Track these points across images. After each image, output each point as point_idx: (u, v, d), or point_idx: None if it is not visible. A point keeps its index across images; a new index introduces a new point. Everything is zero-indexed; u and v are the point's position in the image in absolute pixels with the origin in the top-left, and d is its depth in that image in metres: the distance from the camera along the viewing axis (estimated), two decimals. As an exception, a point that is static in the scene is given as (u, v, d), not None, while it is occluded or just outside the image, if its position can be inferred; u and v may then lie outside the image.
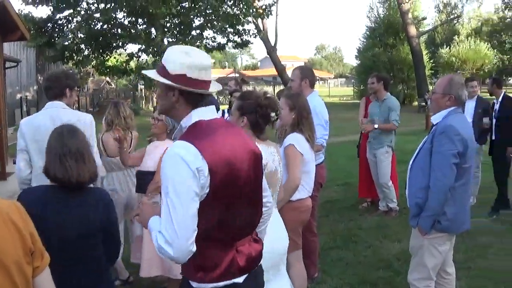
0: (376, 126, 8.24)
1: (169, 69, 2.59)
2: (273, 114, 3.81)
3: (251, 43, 30.91)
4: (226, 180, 2.55)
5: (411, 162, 4.44)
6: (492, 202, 8.70)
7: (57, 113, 4.56)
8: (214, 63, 70.62)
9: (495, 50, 48.77)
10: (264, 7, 29.36)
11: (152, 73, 2.66)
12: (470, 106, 8.88)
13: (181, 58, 2.58)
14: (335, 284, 5.86)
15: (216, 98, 10.19)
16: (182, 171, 2.42)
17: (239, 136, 2.77)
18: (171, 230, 2.41)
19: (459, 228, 4.38)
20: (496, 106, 8.65)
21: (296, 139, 4.72)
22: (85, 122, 4.64)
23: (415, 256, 4.41)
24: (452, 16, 55.93)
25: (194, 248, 2.48)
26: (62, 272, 2.74)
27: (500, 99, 8.65)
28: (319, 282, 5.88)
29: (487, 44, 47.60)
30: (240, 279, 2.70)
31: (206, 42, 28.47)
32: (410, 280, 4.46)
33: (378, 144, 8.34)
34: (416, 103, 34.92)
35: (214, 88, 2.74)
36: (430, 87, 30.99)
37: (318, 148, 5.54)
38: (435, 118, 4.37)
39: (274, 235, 3.67)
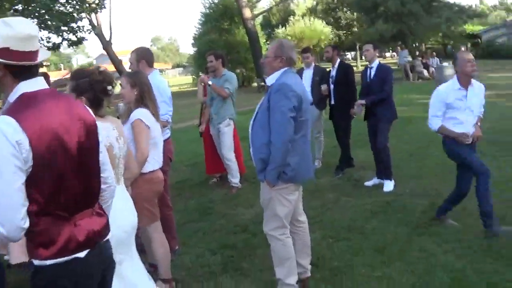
0: (210, 83, 8.35)
1: None
2: (109, 88, 3.83)
3: (86, 40, 30.23)
4: (53, 151, 2.48)
5: (251, 122, 4.65)
6: (335, 164, 9.31)
7: None
8: (49, 65, 67.88)
9: (331, 27, 50.97)
10: (97, 1, 28.74)
11: None
12: (307, 75, 9.39)
13: (2, 31, 2.47)
14: (197, 253, 6.04)
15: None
16: (1, 145, 2.34)
17: (68, 105, 2.67)
18: None
19: (304, 177, 4.68)
20: (333, 73, 9.14)
21: (141, 114, 4.80)
22: None
23: (267, 208, 4.65)
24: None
25: (26, 224, 2.41)
26: None
27: (336, 65, 9.16)
28: (181, 254, 6.02)
29: (323, 22, 49.61)
30: (81, 254, 2.64)
31: (41, 44, 27.43)
32: (266, 231, 4.69)
33: (220, 118, 8.50)
34: (255, 84, 35.80)
35: (43, 56, 2.64)
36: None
37: (164, 124, 5.67)
38: (269, 80, 4.64)
39: (119, 211, 3.66)
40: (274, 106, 4.40)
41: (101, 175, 2.88)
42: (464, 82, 5.98)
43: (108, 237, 2.88)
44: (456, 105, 6.02)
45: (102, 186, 2.90)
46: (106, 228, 2.86)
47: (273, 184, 4.46)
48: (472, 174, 6.10)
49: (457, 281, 4.85)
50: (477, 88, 6.09)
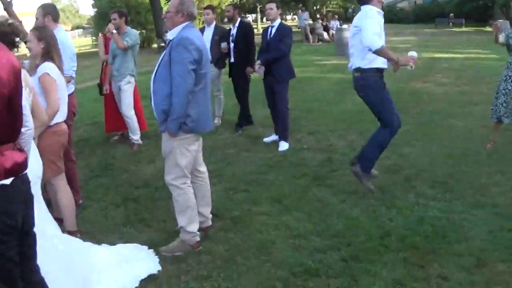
0: (114, 31, 8.29)
1: None
2: (17, 39, 3.83)
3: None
4: None
5: (153, 76, 4.73)
6: (235, 122, 9.53)
7: None
8: None
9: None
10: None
11: None
12: (208, 33, 9.44)
13: None
14: (101, 206, 6.13)
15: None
16: None
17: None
18: None
19: (204, 128, 4.84)
20: (233, 31, 9.25)
21: (49, 67, 4.85)
22: None
23: (168, 158, 4.77)
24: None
25: None
26: None
27: (237, 24, 9.26)
28: (85, 207, 6.09)
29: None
30: (7, 181, 2.82)
31: None
32: (168, 181, 4.82)
33: (121, 75, 8.44)
34: (155, 44, 35.37)
35: None
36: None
37: (68, 79, 5.67)
38: (171, 34, 4.70)
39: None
40: (175, 59, 4.49)
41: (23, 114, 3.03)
42: (380, 7, 5.90)
43: (26, 171, 3.03)
44: (382, 35, 5.79)
45: (22, 129, 3.04)
46: (26, 162, 3.01)
47: (174, 135, 4.58)
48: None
49: (351, 227, 5.20)
50: None
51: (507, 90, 7.30)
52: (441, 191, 6.07)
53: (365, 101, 6.07)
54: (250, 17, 72.06)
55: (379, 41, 5.54)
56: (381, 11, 5.85)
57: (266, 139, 8.63)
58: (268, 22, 8.41)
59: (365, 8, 5.78)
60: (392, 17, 52.83)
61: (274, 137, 8.53)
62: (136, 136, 8.66)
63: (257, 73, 8.37)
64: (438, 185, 6.26)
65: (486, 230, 5.05)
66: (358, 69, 5.93)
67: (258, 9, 50.64)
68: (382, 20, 5.83)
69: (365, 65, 5.86)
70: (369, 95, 5.98)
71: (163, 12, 5.17)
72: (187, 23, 4.70)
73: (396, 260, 4.55)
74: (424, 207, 5.64)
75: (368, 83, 5.93)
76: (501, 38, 7.33)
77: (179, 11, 4.67)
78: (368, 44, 5.53)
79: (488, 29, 35.25)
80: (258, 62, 8.12)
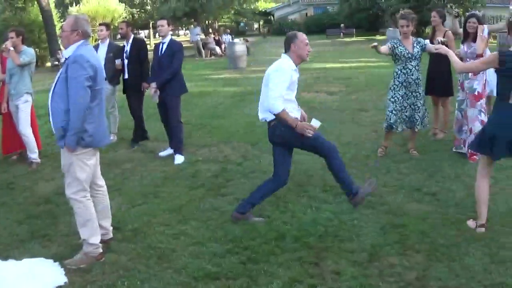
0: (11, 48, 8.13)
1: None
2: None
3: None
4: None
5: (50, 93, 4.85)
6: (131, 138, 9.64)
7: None
8: None
9: (125, 5, 50.37)
10: None
11: None
12: (102, 50, 9.51)
13: None
14: (4, 224, 6.12)
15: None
16: None
17: None
18: None
19: (101, 142, 5.02)
20: (127, 48, 9.35)
21: None
22: None
23: (68, 173, 4.89)
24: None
25: None
26: None
27: (130, 41, 9.36)
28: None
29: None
30: None
31: None
32: (68, 195, 4.93)
33: (18, 94, 8.31)
34: (49, 63, 34.59)
35: None
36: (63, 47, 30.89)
37: None
38: (67, 52, 4.86)
39: None
40: (72, 76, 4.66)
41: None
42: (298, 63, 5.81)
43: None
44: (293, 88, 5.80)
45: None
46: None
47: (73, 149, 4.73)
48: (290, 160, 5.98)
49: (248, 232, 5.50)
50: None
51: (395, 99, 7.74)
52: (333, 194, 6.48)
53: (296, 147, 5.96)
54: (142, 33, 71.64)
55: (280, 105, 5.47)
56: (297, 68, 5.77)
57: (161, 153, 8.78)
58: (160, 37, 8.58)
59: (282, 59, 5.74)
60: (283, 29, 54.13)
61: (169, 151, 8.68)
62: (34, 155, 8.56)
63: (154, 99, 8.37)
64: (329, 188, 6.66)
65: (377, 227, 5.51)
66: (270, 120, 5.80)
67: (151, 25, 50.46)
68: (297, 75, 5.78)
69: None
70: (294, 139, 5.77)
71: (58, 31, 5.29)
72: (82, 41, 4.88)
73: (291, 259, 4.89)
74: (316, 209, 6.04)
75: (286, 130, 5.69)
76: (384, 48, 7.71)
77: (74, 29, 4.85)
78: (270, 107, 5.53)
79: (379, 37, 36.96)
80: (154, 86, 8.21)
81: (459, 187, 6.60)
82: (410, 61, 7.61)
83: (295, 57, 5.72)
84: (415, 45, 7.65)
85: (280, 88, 5.50)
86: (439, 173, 7.18)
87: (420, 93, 7.79)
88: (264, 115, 5.84)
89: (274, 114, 5.58)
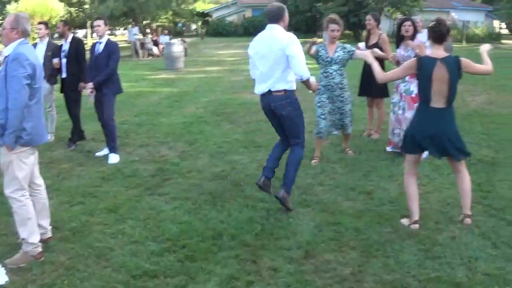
0: None
1: None
2: None
3: None
4: None
5: None
6: (68, 137, 9.55)
7: None
8: None
9: (63, 4, 49.28)
10: None
11: None
12: (41, 48, 9.37)
13: None
14: None
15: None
16: None
17: None
18: None
19: (40, 140, 5.03)
20: (65, 47, 9.27)
21: None
22: None
23: (6, 172, 4.88)
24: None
25: None
26: None
27: (68, 40, 9.29)
28: None
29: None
30: None
31: None
32: (7, 194, 4.92)
33: None
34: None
35: None
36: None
37: None
38: (7, 50, 4.85)
39: None
40: (11, 74, 4.66)
41: None
42: None
43: None
44: None
45: None
46: None
47: (12, 148, 4.73)
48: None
49: (185, 231, 5.60)
50: None
51: (321, 103, 7.87)
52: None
53: (286, 119, 6.16)
54: (80, 32, 70.32)
55: (308, 71, 5.98)
56: None
57: (98, 153, 8.78)
58: (98, 37, 8.58)
59: (282, 29, 6.08)
60: (221, 30, 54.19)
61: (106, 150, 8.68)
62: None
63: (90, 100, 8.47)
64: (265, 188, 6.83)
65: (313, 225, 5.71)
66: (281, 90, 6.07)
67: (88, 25, 49.63)
68: None
69: (290, 87, 6.10)
70: (293, 113, 6.13)
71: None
72: (22, 39, 4.89)
73: (229, 257, 5.03)
74: (253, 208, 6.21)
75: (292, 102, 6.12)
76: (313, 50, 7.81)
77: (14, 28, 4.87)
78: (301, 74, 5.90)
79: (316, 40, 37.40)
80: (90, 86, 8.24)
81: (394, 186, 6.89)
82: (330, 65, 7.75)
83: (284, 28, 6.10)
84: (338, 50, 7.75)
85: (304, 55, 5.99)
86: (374, 172, 7.46)
87: (346, 98, 7.89)
88: (268, 86, 6.09)
89: (304, 81, 6.01)
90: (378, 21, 9.07)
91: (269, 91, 6.09)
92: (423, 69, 5.35)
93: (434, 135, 5.39)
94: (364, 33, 32.42)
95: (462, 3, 54.31)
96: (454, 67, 5.34)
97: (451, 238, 5.35)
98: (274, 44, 5.96)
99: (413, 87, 7.81)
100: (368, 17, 9.17)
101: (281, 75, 6.00)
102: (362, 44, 8.75)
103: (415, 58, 5.61)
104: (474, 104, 12.93)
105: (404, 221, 5.75)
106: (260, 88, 6.19)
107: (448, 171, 7.12)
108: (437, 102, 5.36)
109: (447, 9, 49.84)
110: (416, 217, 5.63)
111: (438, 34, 5.45)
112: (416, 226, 5.59)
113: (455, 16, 48.45)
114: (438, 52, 5.43)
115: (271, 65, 6.01)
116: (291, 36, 5.95)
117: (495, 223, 5.67)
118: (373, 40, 8.95)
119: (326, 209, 6.14)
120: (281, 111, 6.07)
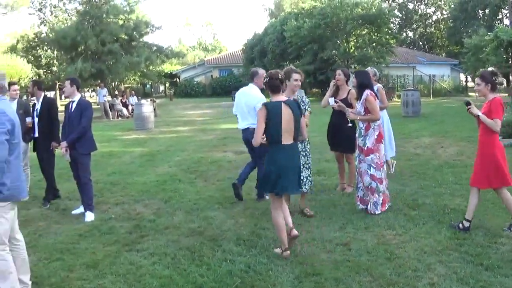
0: None
1: None
2: None
3: None
4: None
5: None
6: (43, 196, 9.55)
7: None
8: None
9: (32, 65, 49.37)
10: None
11: None
12: (12, 107, 9.45)
13: None
14: None
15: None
16: None
17: None
18: None
19: (19, 195, 5.06)
20: (38, 106, 9.40)
21: None
22: None
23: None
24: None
25: None
26: None
27: (41, 99, 9.42)
28: None
29: (24, 60, 47.77)
30: None
31: None
32: None
33: None
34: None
35: None
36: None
37: None
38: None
39: None
40: None
41: None
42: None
43: None
44: None
45: None
46: None
47: (-8, 203, 4.75)
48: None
49: (165, 285, 5.62)
50: None
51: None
52: (246, 247, 6.69)
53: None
54: (49, 94, 70.33)
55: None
56: None
57: (74, 211, 8.76)
58: (66, 99, 8.68)
59: (257, 89, 9.03)
60: (189, 91, 54.57)
61: (82, 208, 8.65)
62: None
63: (66, 159, 8.54)
64: (243, 242, 6.88)
65: (292, 277, 5.75)
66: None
67: (57, 86, 49.76)
68: None
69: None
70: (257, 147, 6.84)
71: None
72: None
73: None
74: (231, 262, 6.22)
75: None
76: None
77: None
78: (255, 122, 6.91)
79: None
80: (64, 145, 8.32)
81: (370, 237, 6.97)
82: None
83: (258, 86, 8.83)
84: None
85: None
86: (350, 225, 7.53)
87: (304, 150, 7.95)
88: (247, 124, 8.95)
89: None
90: (347, 76, 9.27)
91: (247, 128, 8.76)
92: (269, 112, 6.08)
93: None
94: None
95: (427, 57, 55.92)
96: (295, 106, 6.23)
97: (430, 284, 5.44)
98: (248, 97, 8.92)
99: (367, 140, 8.08)
100: (338, 71, 9.31)
101: (254, 117, 7.76)
102: (331, 100, 8.89)
103: (263, 105, 6.24)
104: (445, 155, 13.24)
105: (277, 250, 6.31)
106: (241, 125, 9.13)
107: (423, 221, 7.36)
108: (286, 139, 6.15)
109: (412, 64, 51.07)
110: (286, 245, 6.30)
111: (271, 86, 6.24)
112: (287, 253, 6.25)
113: (420, 72, 49.66)
114: (279, 97, 6.25)
115: (247, 110, 8.88)
116: (259, 95, 8.73)
117: (473, 269, 5.78)
118: (342, 95, 9.13)
119: (304, 261, 6.19)
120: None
